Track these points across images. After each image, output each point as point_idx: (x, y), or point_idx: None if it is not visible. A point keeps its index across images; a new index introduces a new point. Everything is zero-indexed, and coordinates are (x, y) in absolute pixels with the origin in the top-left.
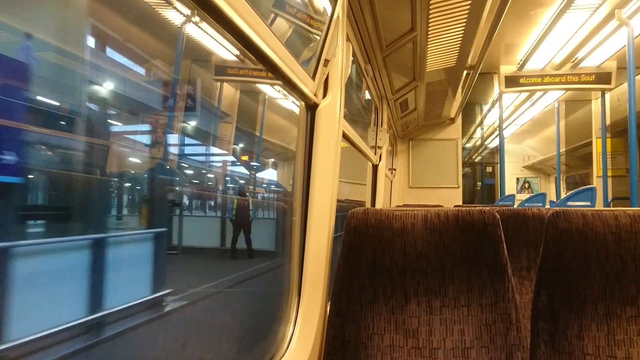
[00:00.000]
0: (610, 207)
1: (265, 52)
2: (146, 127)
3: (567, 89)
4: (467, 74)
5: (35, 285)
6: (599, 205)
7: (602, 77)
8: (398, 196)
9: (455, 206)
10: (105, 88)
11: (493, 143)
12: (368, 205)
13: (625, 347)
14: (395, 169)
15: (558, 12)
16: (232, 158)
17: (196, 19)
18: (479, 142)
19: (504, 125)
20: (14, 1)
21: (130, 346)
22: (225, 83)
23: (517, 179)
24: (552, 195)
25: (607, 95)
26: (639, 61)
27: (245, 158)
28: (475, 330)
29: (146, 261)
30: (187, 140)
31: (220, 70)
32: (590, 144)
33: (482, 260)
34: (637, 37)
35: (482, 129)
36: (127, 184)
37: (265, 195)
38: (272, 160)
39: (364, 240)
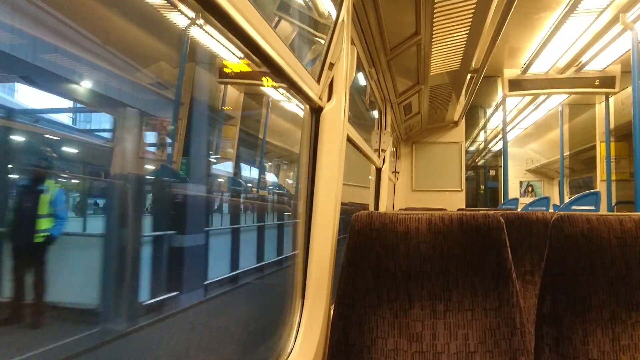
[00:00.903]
0: (614, 211)
1: (271, 55)
2: None
3: (570, 93)
4: (471, 78)
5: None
6: (603, 210)
7: (606, 81)
8: (401, 199)
9: (458, 209)
10: None
11: (496, 146)
12: (371, 208)
13: (630, 353)
14: (398, 172)
15: (562, 15)
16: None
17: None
18: (482, 146)
19: (508, 129)
20: None
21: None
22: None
23: (521, 183)
24: (555, 199)
25: (611, 99)
26: None
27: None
28: (479, 335)
29: None
30: None
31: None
32: (594, 147)
33: (486, 264)
34: None
35: (485, 132)
36: None
37: None
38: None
39: (367, 243)
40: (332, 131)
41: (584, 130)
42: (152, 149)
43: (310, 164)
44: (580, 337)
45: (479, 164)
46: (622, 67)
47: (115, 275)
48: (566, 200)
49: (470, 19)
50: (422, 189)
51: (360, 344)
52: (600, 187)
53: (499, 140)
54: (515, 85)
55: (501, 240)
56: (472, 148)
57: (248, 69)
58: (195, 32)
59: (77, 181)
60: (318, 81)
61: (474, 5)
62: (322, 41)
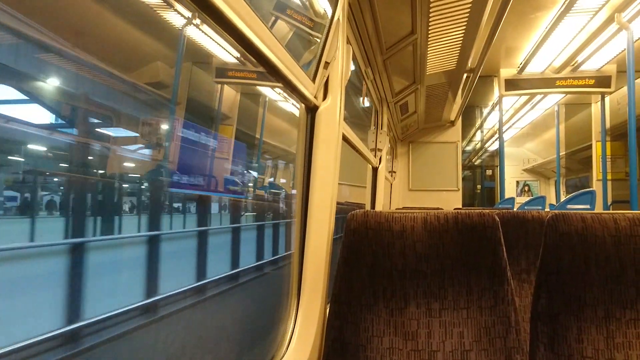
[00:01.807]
0: (609, 210)
1: (266, 54)
2: None
3: (567, 93)
4: (467, 77)
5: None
6: (599, 209)
7: (602, 81)
8: (398, 199)
9: (455, 209)
10: None
11: (493, 146)
12: (368, 207)
13: (624, 350)
14: (395, 172)
15: (558, 15)
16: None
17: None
18: (479, 145)
19: (504, 129)
20: None
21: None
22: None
23: (517, 182)
24: (551, 199)
25: (607, 99)
26: (639, 65)
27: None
28: (474, 333)
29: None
30: None
31: (220, 72)
32: (590, 147)
33: (481, 262)
34: (637, 40)
35: (482, 132)
36: None
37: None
38: None
39: (363, 242)
40: (328, 130)
41: (580, 130)
42: None
43: (306, 163)
44: (575, 335)
45: (475, 163)
46: (618, 66)
47: None
48: (562, 199)
49: (466, 19)
50: (419, 188)
51: (355, 343)
52: (597, 186)
53: (496, 139)
54: (512, 84)
55: (496, 239)
56: (468, 148)
57: (244, 69)
58: (191, 31)
59: None
60: (313, 80)
61: (470, 5)
62: (318, 40)
